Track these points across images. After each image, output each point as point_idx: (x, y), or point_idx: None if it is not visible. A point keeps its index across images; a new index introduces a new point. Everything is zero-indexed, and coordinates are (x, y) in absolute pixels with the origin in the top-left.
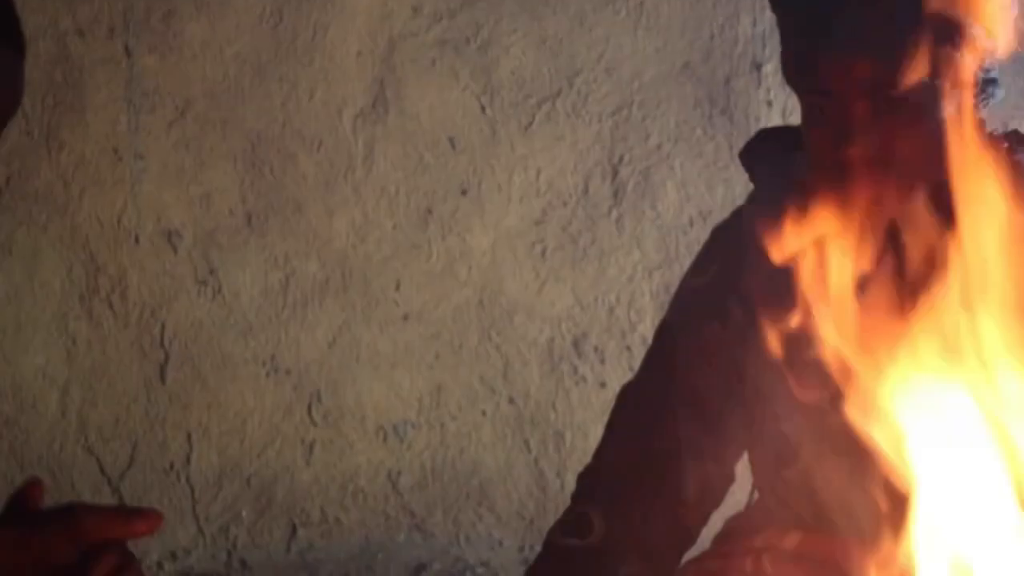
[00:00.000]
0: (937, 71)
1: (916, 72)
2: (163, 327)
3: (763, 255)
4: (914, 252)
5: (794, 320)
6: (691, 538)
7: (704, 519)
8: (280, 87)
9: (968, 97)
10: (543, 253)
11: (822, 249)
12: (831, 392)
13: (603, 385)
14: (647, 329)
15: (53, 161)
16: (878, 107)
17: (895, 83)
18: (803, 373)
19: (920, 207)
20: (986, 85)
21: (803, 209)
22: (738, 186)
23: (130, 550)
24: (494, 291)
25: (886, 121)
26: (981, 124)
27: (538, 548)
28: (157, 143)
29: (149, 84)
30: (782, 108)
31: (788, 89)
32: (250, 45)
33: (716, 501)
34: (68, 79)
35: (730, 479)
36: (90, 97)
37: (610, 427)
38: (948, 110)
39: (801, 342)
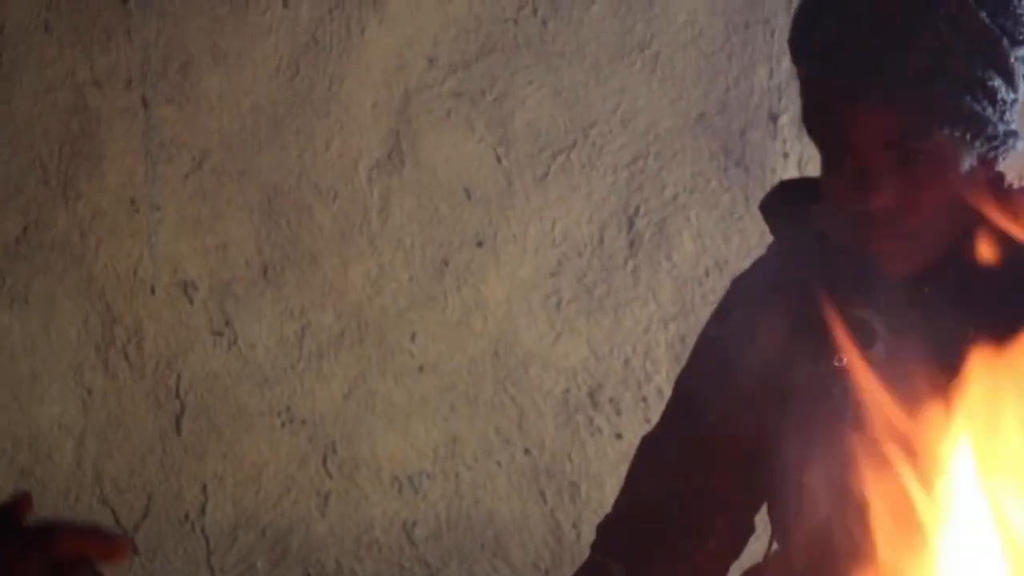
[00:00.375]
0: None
1: (938, 124)
2: (179, 378)
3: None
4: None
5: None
6: None
7: (724, 570)
8: (296, 139)
9: (989, 150)
10: (558, 304)
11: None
12: (852, 443)
13: (619, 436)
14: (663, 380)
15: (70, 211)
16: (899, 158)
17: (917, 134)
18: (828, 421)
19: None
20: (1006, 137)
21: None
22: (754, 237)
23: (100, 572)
24: (509, 342)
25: (908, 173)
26: (1000, 177)
27: None
28: (174, 194)
29: (166, 135)
30: (798, 159)
31: (804, 140)
32: (267, 97)
33: (735, 552)
34: (85, 129)
35: (749, 530)
36: (107, 147)
37: (630, 477)
38: (969, 163)
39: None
